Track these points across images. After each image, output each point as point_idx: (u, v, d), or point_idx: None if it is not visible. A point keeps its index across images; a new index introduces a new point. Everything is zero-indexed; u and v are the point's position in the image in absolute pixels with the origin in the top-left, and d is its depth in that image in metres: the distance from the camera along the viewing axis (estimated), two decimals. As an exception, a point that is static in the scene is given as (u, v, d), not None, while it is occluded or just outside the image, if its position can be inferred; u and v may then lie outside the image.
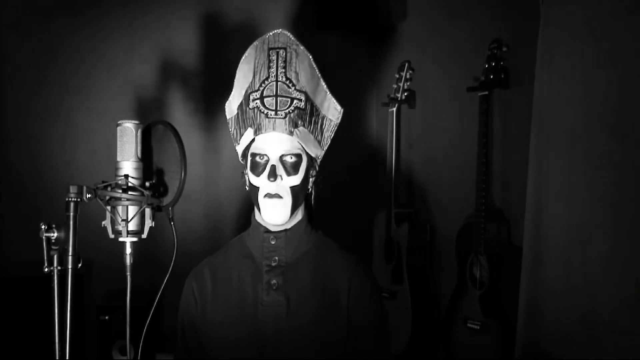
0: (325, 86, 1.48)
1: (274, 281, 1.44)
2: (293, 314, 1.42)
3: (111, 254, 1.52)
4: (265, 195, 1.41)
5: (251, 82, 1.45)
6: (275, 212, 1.41)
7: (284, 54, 1.44)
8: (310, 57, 1.47)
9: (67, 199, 1.21)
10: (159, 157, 1.50)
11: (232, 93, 1.50)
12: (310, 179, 1.48)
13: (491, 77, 2.39)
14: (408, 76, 2.94)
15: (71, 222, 1.21)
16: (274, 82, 1.43)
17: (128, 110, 2.87)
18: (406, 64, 2.94)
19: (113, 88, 2.92)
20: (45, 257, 1.21)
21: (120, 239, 1.38)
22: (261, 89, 1.43)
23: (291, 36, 1.46)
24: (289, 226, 1.47)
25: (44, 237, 1.21)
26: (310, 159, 1.46)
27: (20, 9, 2.82)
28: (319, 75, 1.48)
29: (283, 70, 1.43)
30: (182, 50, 3.02)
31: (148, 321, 1.45)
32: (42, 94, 2.86)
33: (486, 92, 2.41)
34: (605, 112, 1.93)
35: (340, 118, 1.51)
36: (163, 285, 1.46)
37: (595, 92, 1.96)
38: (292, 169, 1.41)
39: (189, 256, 1.58)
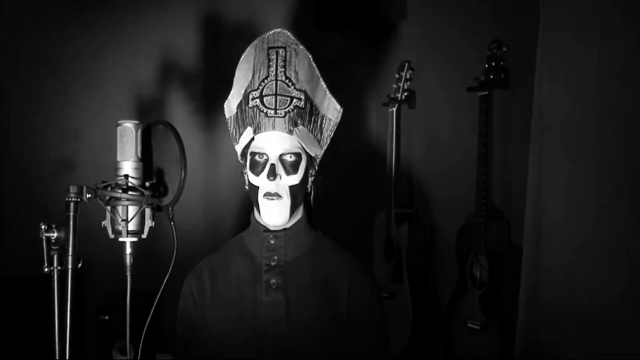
0: (324, 86, 1.48)
1: (273, 280, 1.44)
2: (292, 314, 1.42)
3: (111, 254, 1.52)
4: (264, 195, 1.41)
5: (250, 81, 1.45)
6: (275, 213, 1.41)
7: (284, 53, 1.44)
8: (310, 56, 1.47)
9: (67, 199, 1.21)
10: (159, 157, 1.50)
11: (232, 92, 1.50)
12: (310, 179, 1.48)
13: (491, 77, 2.39)
14: (408, 76, 2.94)
15: (71, 222, 1.21)
16: (274, 81, 1.43)
17: (128, 110, 2.87)
18: (406, 64, 2.94)
19: (113, 88, 2.92)
20: (45, 257, 1.21)
21: (120, 239, 1.38)
22: (261, 87, 1.43)
23: (291, 35, 1.47)
24: (288, 225, 1.47)
25: (44, 237, 1.21)
26: (310, 159, 1.46)
27: (22, 9, 2.82)
28: (319, 74, 1.48)
29: (282, 70, 1.43)
30: (182, 50, 3.02)
31: (148, 321, 1.45)
32: (43, 94, 2.86)
33: (486, 92, 2.41)
34: (605, 111, 1.93)
35: (339, 117, 1.51)
36: (163, 285, 1.46)
37: (595, 91, 1.96)
38: (292, 168, 1.41)
39: (189, 256, 1.58)
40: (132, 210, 1.37)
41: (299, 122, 1.42)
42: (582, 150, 2.01)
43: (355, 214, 3.28)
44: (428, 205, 2.98)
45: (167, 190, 1.48)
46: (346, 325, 1.44)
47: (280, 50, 1.44)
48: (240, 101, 1.47)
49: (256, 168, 1.42)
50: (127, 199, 1.36)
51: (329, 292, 1.45)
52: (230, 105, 1.51)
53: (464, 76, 2.56)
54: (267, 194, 1.40)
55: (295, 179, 1.42)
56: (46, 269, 1.21)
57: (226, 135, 1.58)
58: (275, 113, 1.40)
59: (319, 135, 1.48)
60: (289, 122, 1.40)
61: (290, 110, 1.41)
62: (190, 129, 2.96)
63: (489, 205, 2.41)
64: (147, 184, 1.42)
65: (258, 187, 1.42)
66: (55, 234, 1.21)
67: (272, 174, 1.38)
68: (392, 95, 2.99)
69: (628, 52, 1.87)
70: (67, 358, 1.19)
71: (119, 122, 1.41)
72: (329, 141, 1.51)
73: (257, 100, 1.42)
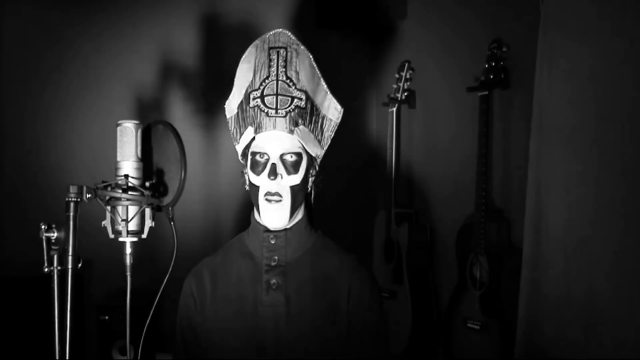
0: (325, 86, 1.48)
1: (273, 281, 1.44)
2: (293, 314, 1.42)
3: (111, 254, 1.52)
4: (265, 195, 1.40)
5: (251, 81, 1.45)
6: (275, 216, 1.41)
7: (285, 53, 1.44)
8: (311, 56, 1.47)
9: (67, 199, 1.21)
10: (159, 157, 1.50)
11: (232, 92, 1.50)
12: (310, 179, 1.48)
13: (491, 77, 2.39)
14: (408, 76, 2.94)
15: (71, 222, 1.21)
16: (275, 81, 1.43)
17: (128, 110, 2.87)
18: (406, 64, 2.95)
19: (113, 88, 2.92)
20: (45, 257, 1.21)
21: (120, 239, 1.38)
22: (261, 87, 1.43)
23: (292, 36, 1.47)
24: (288, 226, 1.47)
25: (44, 237, 1.21)
26: (311, 159, 1.46)
27: (21, 9, 2.82)
28: (319, 74, 1.48)
29: (283, 70, 1.43)
30: (182, 50, 3.02)
31: (148, 321, 1.45)
32: (43, 94, 2.86)
33: (486, 92, 2.41)
34: (605, 111, 1.93)
35: (340, 118, 1.51)
36: (163, 285, 1.46)
37: (595, 91, 1.96)
38: (292, 168, 1.41)
39: (189, 256, 1.58)
40: (132, 210, 1.37)
41: (299, 122, 1.42)
42: (582, 150, 2.01)
43: (355, 214, 3.28)
44: (428, 205, 2.98)
45: (167, 190, 1.48)
46: (346, 326, 1.44)
47: (281, 51, 1.44)
48: (241, 101, 1.47)
49: (257, 168, 1.42)
50: (127, 199, 1.36)
51: (329, 293, 1.45)
52: (231, 105, 1.51)
53: (464, 76, 2.56)
54: (268, 194, 1.40)
55: (296, 179, 1.42)
56: (46, 269, 1.21)
57: (226, 135, 1.58)
58: (276, 113, 1.40)
59: (319, 135, 1.48)
60: (289, 121, 1.40)
61: (291, 110, 1.41)
62: (190, 129, 2.97)
63: (489, 205, 2.41)
64: (147, 184, 1.42)
65: (259, 187, 1.42)
66: (55, 234, 1.21)
67: (273, 174, 1.38)
68: (392, 95, 2.99)
69: (628, 52, 1.87)
70: (67, 358, 1.19)
71: (119, 122, 1.41)
72: (329, 141, 1.51)
73: (258, 100, 1.42)
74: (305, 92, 1.43)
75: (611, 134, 1.91)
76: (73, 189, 1.21)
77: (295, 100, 1.42)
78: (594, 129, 1.97)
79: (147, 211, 1.40)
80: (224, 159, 3.03)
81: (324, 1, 3.16)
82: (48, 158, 2.86)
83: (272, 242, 1.46)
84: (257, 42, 1.47)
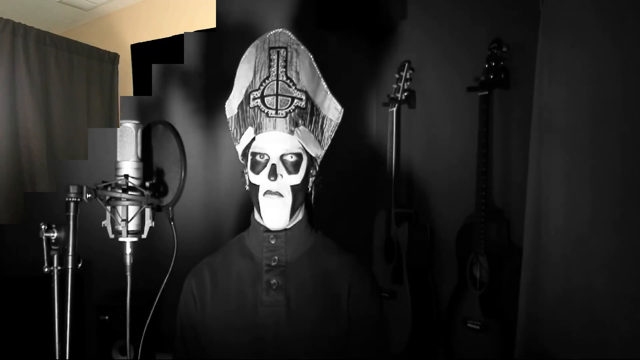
0: (325, 86, 1.48)
1: (273, 281, 1.44)
2: (293, 314, 1.42)
3: (111, 254, 1.53)
4: (265, 193, 1.40)
5: (252, 81, 1.45)
6: (276, 213, 1.41)
7: (285, 53, 1.44)
8: (311, 56, 1.47)
9: (67, 199, 1.21)
10: (159, 157, 1.50)
11: (232, 92, 1.50)
12: (310, 179, 1.48)
13: (491, 77, 2.39)
14: (408, 76, 2.94)
15: (71, 222, 1.21)
16: (275, 81, 1.43)
17: (128, 110, 2.87)
18: (406, 64, 2.94)
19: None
20: (45, 257, 1.21)
21: (120, 239, 1.38)
22: (262, 88, 1.43)
23: (292, 35, 1.47)
24: (289, 226, 1.47)
25: (44, 237, 1.21)
26: (311, 159, 1.46)
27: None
28: (320, 74, 1.48)
29: (284, 70, 1.43)
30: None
31: (148, 321, 1.46)
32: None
33: (486, 92, 2.41)
34: (606, 111, 1.93)
35: (340, 118, 1.51)
36: (163, 285, 1.46)
37: (595, 91, 1.96)
38: (293, 168, 1.41)
39: (189, 256, 1.58)
40: (132, 210, 1.37)
41: (300, 122, 1.42)
42: (582, 149, 2.00)
43: (355, 214, 3.27)
44: (428, 205, 2.98)
45: (167, 190, 1.49)
46: (346, 326, 1.44)
47: (282, 51, 1.44)
48: (242, 101, 1.47)
49: (257, 168, 1.42)
50: (127, 199, 1.36)
51: (329, 293, 1.45)
52: (231, 105, 1.51)
53: (464, 76, 2.56)
54: (268, 192, 1.40)
55: (296, 179, 1.42)
56: (46, 269, 1.22)
57: (226, 135, 1.58)
58: (277, 113, 1.40)
59: (319, 135, 1.48)
60: (290, 122, 1.40)
61: (291, 110, 1.41)
62: (190, 129, 2.96)
63: (489, 205, 2.41)
64: (147, 184, 1.42)
65: (259, 186, 1.42)
66: (55, 234, 1.21)
67: (273, 174, 1.38)
68: (392, 95, 2.99)
69: (628, 52, 1.87)
70: (67, 358, 1.19)
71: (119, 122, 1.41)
72: (329, 141, 1.51)
73: (258, 100, 1.42)
74: (306, 92, 1.43)
75: (611, 134, 1.91)
76: (73, 189, 1.21)
77: (296, 100, 1.42)
78: (594, 129, 1.97)
79: (147, 211, 1.40)
80: (224, 159, 3.03)
81: (324, 1, 3.16)
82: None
83: (272, 242, 1.46)
84: (257, 42, 1.47)
